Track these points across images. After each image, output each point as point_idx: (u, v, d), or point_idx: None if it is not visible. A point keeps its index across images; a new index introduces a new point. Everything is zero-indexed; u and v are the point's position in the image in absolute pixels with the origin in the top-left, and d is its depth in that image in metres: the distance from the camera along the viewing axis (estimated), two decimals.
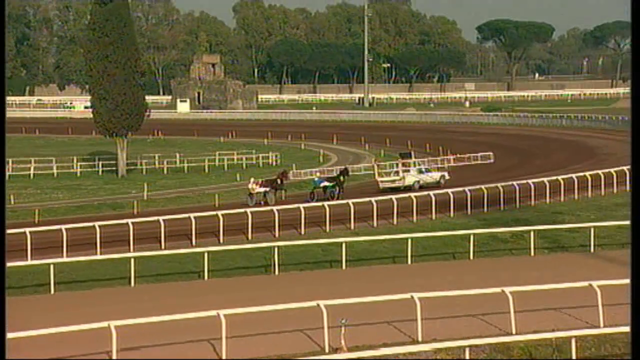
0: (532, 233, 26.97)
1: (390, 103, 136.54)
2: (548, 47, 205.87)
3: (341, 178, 40.69)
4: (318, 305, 16.99)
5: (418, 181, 43.03)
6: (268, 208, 31.32)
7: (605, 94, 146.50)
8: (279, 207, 31.14)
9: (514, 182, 36.48)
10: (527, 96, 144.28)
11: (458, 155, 55.64)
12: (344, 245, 25.45)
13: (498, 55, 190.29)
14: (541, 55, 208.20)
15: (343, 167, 45.53)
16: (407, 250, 25.84)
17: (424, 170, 44.68)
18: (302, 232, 30.10)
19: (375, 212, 31.61)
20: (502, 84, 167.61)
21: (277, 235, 29.49)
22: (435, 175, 44.31)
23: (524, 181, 37.13)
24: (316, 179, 41.70)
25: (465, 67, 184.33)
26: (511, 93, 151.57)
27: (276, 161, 60.41)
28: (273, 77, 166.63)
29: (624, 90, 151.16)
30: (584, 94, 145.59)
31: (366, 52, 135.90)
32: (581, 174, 39.05)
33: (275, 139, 78.09)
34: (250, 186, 39.01)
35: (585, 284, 18.45)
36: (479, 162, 54.85)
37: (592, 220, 30.81)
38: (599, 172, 39.24)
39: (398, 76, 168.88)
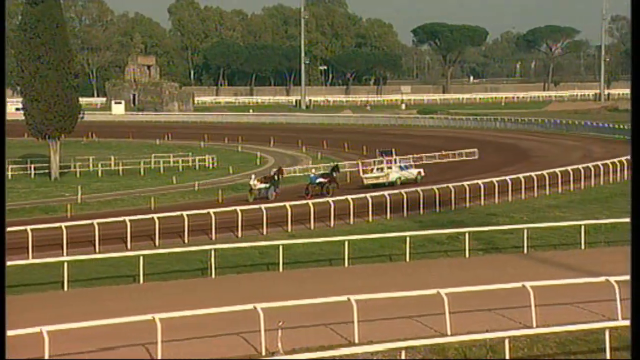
0: (467, 235, 27.30)
1: (327, 105, 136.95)
2: (482, 51, 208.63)
3: (334, 174, 42.60)
4: (255, 308, 16.95)
5: (400, 177, 44.96)
6: (205, 211, 31.20)
7: (538, 97, 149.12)
8: (216, 210, 31.01)
9: (450, 184, 36.90)
10: (462, 99, 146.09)
11: (443, 152, 59.08)
12: (281, 247, 25.45)
13: (433, 58, 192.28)
14: (476, 59, 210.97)
15: (334, 163, 47.88)
16: (344, 252, 25.95)
17: (403, 167, 46.63)
18: (240, 235, 30.03)
19: (312, 215, 31.68)
20: (437, 87, 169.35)
21: (214, 238, 29.35)
22: (413, 172, 46.31)
23: (459, 183, 37.57)
24: (312, 175, 43.28)
25: (401, 70, 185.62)
26: (446, 96, 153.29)
27: (212, 164, 60.15)
28: (209, 79, 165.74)
29: (556, 93, 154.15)
30: (517, 97, 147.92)
31: (303, 54, 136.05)
32: (515, 176, 39.67)
33: (212, 142, 77.70)
34: (252, 182, 41.23)
35: (519, 284, 18.73)
36: (464, 158, 58.69)
37: (525, 221, 31.31)
38: (532, 174, 39.91)
39: (335, 79, 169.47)
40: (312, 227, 31.51)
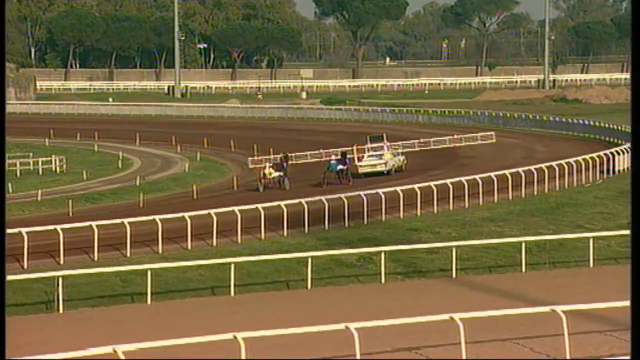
0: (382, 255, 27.61)
1: (208, 94, 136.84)
2: (401, 26, 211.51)
3: (347, 161, 47.78)
4: (115, 351, 16.79)
5: (394, 165, 50.00)
6: (51, 227, 30.76)
7: (469, 83, 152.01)
8: (66, 226, 30.58)
9: (361, 192, 37.21)
10: (377, 86, 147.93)
11: (455, 136, 65.37)
12: (149, 273, 25.31)
13: (341, 34, 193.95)
14: (393, 36, 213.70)
15: (342, 150, 51.77)
16: (230, 278, 25.95)
17: (395, 154, 52.19)
18: (96, 258, 29.73)
19: (190, 231, 31.59)
20: (346, 71, 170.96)
21: (62, 262, 28.98)
22: (401, 159, 51.98)
23: (373, 191, 37.93)
24: (332, 162, 48.23)
25: (301, 49, 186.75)
26: (357, 82, 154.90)
27: (62, 167, 59.42)
28: (56, 59, 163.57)
29: (491, 79, 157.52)
30: (444, 84, 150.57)
31: (177, 28, 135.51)
32: (441, 181, 40.30)
33: (60, 139, 76.83)
34: (266, 171, 45.91)
35: (446, 316, 19.03)
36: (479, 142, 64.79)
37: (453, 238, 31.86)
38: (462, 179, 40.62)
39: (218, 60, 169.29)
40: (189, 246, 31.41)
